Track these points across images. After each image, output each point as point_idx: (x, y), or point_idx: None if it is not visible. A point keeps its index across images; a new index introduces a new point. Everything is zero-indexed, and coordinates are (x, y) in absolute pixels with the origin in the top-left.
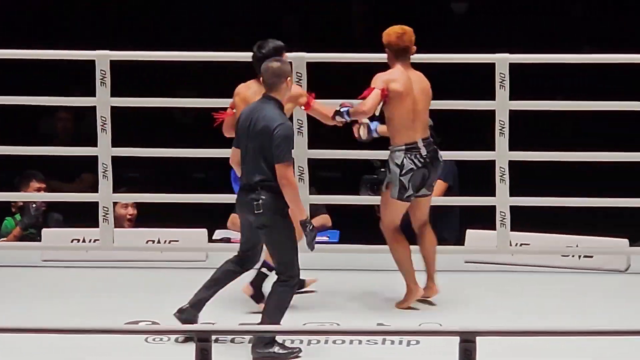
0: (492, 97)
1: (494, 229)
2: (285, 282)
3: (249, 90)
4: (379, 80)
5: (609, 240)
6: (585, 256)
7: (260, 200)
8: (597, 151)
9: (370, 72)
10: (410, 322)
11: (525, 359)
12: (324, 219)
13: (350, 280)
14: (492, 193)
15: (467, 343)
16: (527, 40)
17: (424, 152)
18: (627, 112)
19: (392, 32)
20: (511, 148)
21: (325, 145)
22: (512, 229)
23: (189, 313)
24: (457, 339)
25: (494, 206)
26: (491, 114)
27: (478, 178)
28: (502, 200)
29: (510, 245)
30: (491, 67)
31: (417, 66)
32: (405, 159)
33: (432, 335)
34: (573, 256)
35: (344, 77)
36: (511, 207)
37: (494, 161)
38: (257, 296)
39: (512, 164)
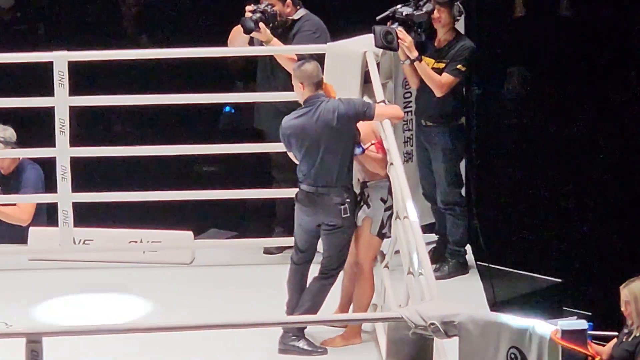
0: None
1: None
2: None
3: None
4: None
5: (174, 233)
6: (150, 250)
7: None
8: (153, 144)
9: None
10: None
11: (92, 358)
12: None
13: None
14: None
15: (34, 344)
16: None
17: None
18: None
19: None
20: (73, 144)
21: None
22: (79, 225)
23: None
24: (24, 340)
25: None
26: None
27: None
28: (64, 197)
29: (75, 242)
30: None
31: None
32: (389, 194)
33: None
34: (138, 251)
35: None
36: (75, 203)
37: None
38: None
39: (75, 160)
